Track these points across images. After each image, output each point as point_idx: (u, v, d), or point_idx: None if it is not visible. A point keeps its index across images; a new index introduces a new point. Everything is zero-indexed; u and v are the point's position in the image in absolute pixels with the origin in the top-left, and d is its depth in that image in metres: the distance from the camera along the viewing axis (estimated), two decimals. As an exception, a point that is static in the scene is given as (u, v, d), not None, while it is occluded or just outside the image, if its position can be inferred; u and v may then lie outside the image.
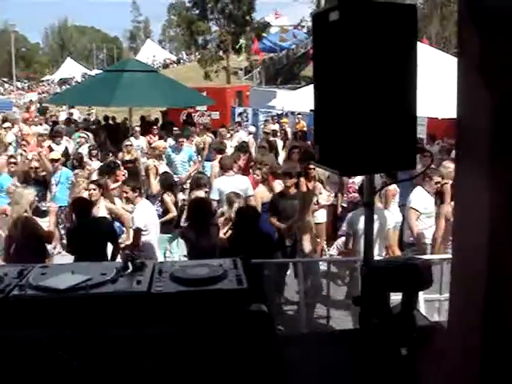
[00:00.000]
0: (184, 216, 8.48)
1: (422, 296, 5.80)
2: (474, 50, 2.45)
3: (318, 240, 8.33)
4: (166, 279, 3.05)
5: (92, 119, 22.64)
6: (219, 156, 10.86)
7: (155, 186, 10.02)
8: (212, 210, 7.27)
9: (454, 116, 2.75)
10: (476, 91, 2.50)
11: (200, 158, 13.86)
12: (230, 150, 12.51)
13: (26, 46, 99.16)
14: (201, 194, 8.75)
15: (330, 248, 8.77)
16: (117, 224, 7.93)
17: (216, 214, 7.90)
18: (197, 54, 61.11)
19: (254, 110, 22.05)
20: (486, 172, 2.47)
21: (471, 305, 2.64)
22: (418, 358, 3.32)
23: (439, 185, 7.95)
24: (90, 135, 15.58)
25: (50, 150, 13.26)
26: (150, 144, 14.13)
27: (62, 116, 23.74)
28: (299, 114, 18.17)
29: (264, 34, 53.86)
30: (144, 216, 7.57)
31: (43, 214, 7.92)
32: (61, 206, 9.94)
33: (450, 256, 4.76)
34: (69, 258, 7.02)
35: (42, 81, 71.59)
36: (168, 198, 8.92)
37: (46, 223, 7.32)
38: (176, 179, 11.21)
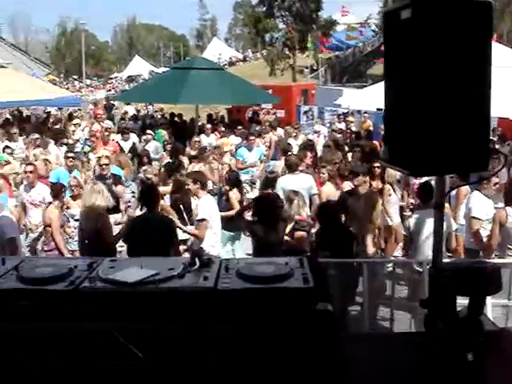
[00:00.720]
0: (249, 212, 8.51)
1: (489, 301, 5.66)
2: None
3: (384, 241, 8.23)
4: (233, 276, 3.06)
5: (158, 116, 22.94)
6: (284, 156, 10.85)
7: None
8: (280, 206, 7.26)
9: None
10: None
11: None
12: (295, 149, 12.47)
13: (95, 45, 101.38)
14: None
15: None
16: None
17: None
18: (263, 51, 61.32)
19: (319, 108, 21.97)
20: None
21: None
22: (484, 363, 3.24)
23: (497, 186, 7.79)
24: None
25: (119, 146, 13.57)
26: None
27: (131, 112, 24.22)
28: (365, 112, 18.00)
29: (330, 32, 53.59)
30: (208, 208, 7.66)
31: (113, 210, 8.06)
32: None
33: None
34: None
35: (111, 78, 73.17)
36: (233, 195, 8.97)
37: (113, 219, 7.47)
38: (249, 177, 11.29)
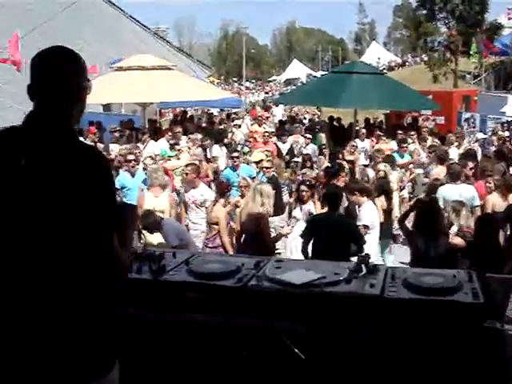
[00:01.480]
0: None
1: None
2: None
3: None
4: (399, 285, 3.02)
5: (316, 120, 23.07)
6: (440, 164, 10.49)
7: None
8: (442, 217, 7.00)
9: None
10: None
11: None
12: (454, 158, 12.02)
13: (255, 48, 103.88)
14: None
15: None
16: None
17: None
18: (423, 56, 59.89)
19: (481, 116, 21.06)
20: None
21: None
22: None
23: None
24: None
25: (277, 148, 13.78)
26: (372, 147, 14.07)
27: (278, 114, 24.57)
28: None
29: (495, 36, 51.30)
30: (370, 215, 7.58)
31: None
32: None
33: None
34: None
35: (269, 81, 74.58)
36: (379, 202, 8.80)
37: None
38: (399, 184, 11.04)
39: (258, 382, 3.10)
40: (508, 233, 7.56)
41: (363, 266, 3.13)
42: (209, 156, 12.70)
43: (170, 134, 13.84)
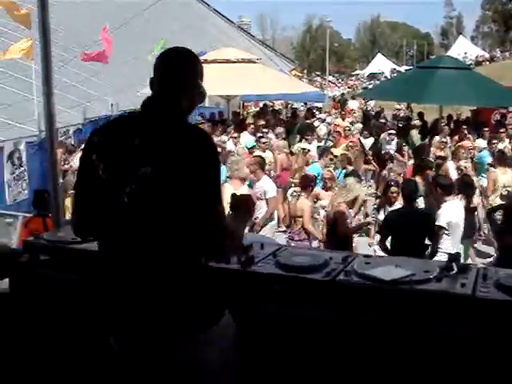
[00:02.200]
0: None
1: None
2: None
3: None
4: (491, 286, 2.96)
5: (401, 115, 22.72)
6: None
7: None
8: None
9: None
10: None
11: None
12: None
13: (338, 42, 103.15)
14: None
15: None
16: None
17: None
18: (512, 50, 58.01)
19: None
20: None
21: None
22: None
23: None
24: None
25: (360, 143, 13.70)
26: (455, 144, 13.77)
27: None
28: None
29: None
30: (448, 215, 7.37)
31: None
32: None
33: None
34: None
35: (352, 75, 73.99)
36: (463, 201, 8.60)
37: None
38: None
39: (343, 377, 3.11)
40: None
41: (454, 264, 3.08)
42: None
43: (252, 126, 13.97)
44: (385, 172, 10.57)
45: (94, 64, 18.61)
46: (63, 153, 11.54)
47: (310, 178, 8.54)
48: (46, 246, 3.83)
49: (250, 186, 8.65)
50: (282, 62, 38.83)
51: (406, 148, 13.02)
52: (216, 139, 11.55)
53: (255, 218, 7.81)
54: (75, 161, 11.13)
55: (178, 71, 2.77)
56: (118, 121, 2.90)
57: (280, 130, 13.92)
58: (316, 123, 17.35)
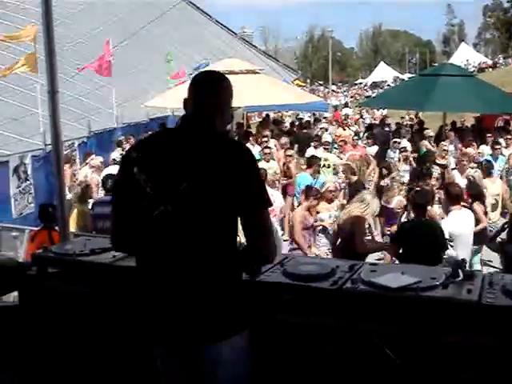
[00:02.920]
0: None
1: None
2: None
3: None
4: (497, 292, 2.97)
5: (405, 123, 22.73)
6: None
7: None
8: None
9: None
10: None
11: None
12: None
13: (341, 51, 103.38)
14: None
15: None
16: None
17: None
18: (516, 57, 58.02)
19: None
20: None
21: None
22: None
23: None
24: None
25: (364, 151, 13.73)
26: (461, 150, 13.77)
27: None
28: None
29: None
30: (453, 225, 7.32)
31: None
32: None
33: None
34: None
35: (355, 84, 74.10)
36: (478, 207, 8.60)
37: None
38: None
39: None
40: None
41: (460, 271, 3.10)
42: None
43: (255, 137, 14.02)
44: (387, 181, 10.57)
45: (97, 77, 18.73)
46: (70, 167, 11.58)
47: (311, 189, 8.53)
48: (54, 258, 3.86)
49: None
50: (285, 72, 38.95)
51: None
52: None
53: None
54: (81, 175, 11.20)
55: (212, 95, 2.92)
56: (155, 136, 3.09)
57: (285, 139, 13.96)
58: (319, 133, 17.35)
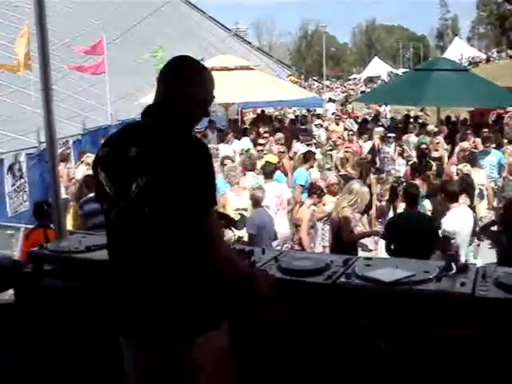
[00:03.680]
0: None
1: None
2: None
3: None
4: (490, 284, 2.99)
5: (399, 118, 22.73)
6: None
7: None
8: None
9: None
10: None
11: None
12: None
13: (335, 46, 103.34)
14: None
15: None
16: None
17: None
18: (508, 51, 58.08)
19: None
20: None
21: None
22: None
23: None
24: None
25: (359, 147, 13.75)
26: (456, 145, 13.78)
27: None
28: None
29: None
30: (454, 223, 7.35)
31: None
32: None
33: None
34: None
35: (349, 79, 74.02)
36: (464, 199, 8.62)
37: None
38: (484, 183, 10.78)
39: (345, 379, 3.14)
40: None
41: (453, 264, 3.12)
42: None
43: (253, 132, 14.04)
44: (383, 175, 10.61)
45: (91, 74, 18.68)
46: (65, 165, 11.56)
47: (315, 186, 8.53)
48: (49, 256, 3.87)
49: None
50: (280, 68, 38.89)
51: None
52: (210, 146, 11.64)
53: None
54: (78, 173, 11.18)
55: (183, 84, 2.72)
56: (121, 131, 2.86)
57: (279, 135, 13.97)
58: (314, 129, 17.36)
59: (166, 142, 2.57)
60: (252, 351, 3.20)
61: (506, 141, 14.08)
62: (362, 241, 9.01)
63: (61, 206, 4.81)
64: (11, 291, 4.00)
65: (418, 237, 6.39)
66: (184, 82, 2.71)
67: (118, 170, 2.61)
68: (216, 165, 10.38)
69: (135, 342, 2.70)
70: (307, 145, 13.33)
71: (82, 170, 11.37)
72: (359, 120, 21.12)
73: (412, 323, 2.98)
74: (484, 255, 8.98)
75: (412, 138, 14.32)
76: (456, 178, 9.65)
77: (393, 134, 14.52)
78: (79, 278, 3.69)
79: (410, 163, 10.84)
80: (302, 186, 9.90)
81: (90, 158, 11.84)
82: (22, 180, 11.58)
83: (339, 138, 14.34)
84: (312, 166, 10.83)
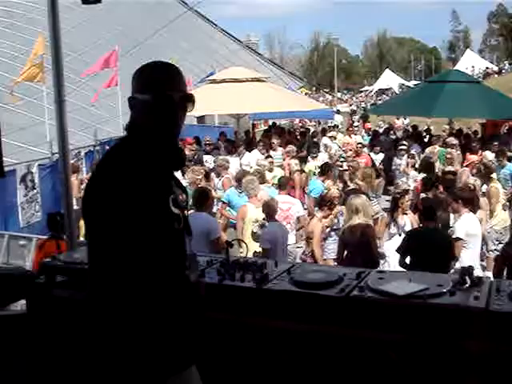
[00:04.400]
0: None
1: None
2: None
3: None
4: (505, 298, 2.96)
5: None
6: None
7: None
8: None
9: None
10: None
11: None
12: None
13: (346, 59, 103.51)
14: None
15: None
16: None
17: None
18: (520, 63, 57.90)
19: None
20: None
21: None
22: None
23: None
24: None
25: (371, 159, 13.71)
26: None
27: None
28: None
29: None
30: (466, 227, 7.38)
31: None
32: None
33: None
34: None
35: (361, 91, 74.04)
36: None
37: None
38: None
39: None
40: None
41: (467, 278, 3.09)
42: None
43: (262, 144, 14.04)
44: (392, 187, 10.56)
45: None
46: (77, 177, 11.59)
47: (325, 199, 8.48)
48: (62, 267, 3.87)
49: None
50: (291, 80, 39.00)
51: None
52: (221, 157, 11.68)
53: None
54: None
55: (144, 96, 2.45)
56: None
57: (290, 147, 13.97)
58: (326, 141, 17.35)
59: (111, 169, 2.40)
60: (264, 363, 3.19)
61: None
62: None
63: (73, 217, 4.82)
64: (23, 301, 4.01)
65: (433, 252, 6.36)
66: (132, 89, 2.51)
67: (85, 196, 2.54)
68: (228, 177, 10.44)
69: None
70: (312, 158, 13.34)
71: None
72: (371, 132, 21.04)
73: (425, 337, 2.95)
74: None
75: (438, 150, 14.23)
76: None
77: (404, 147, 14.42)
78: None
79: (421, 177, 10.76)
80: (315, 198, 9.86)
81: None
82: (35, 191, 11.63)
83: (350, 150, 14.31)
84: (328, 179, 10.80)
